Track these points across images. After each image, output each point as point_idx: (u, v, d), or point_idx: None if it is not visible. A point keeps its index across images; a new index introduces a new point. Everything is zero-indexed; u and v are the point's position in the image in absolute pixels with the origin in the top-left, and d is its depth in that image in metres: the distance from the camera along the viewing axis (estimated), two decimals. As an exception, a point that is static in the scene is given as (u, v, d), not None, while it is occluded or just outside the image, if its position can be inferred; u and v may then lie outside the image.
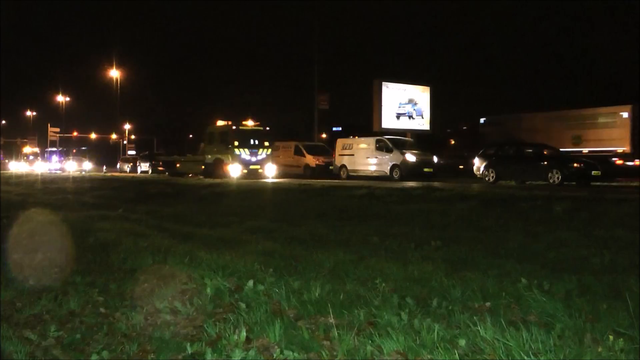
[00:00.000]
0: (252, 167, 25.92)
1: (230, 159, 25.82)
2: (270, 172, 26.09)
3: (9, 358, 3.07)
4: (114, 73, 56.21)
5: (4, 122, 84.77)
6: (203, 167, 27.85)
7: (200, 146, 31.14)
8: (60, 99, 66.98)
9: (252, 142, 26.32)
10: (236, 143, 25.82)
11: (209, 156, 27.40)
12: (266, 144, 26.74)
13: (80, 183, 22.91)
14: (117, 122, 66.39)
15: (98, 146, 67.84)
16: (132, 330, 3.48)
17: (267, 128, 27.38)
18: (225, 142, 26.08)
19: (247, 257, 5.39)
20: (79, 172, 40.36)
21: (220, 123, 27.89)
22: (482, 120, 32.01)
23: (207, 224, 8.36)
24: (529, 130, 27.54)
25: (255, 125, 27.17)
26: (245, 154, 26.01)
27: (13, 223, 7.83)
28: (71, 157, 49.23)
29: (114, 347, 3.18)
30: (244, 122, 27.21)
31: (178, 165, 32.16)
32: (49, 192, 17.44)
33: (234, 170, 25.48)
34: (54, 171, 44.26)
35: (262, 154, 26.40)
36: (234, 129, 26.38)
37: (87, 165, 47.72)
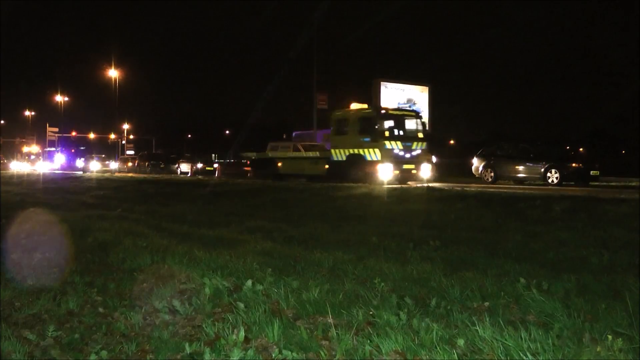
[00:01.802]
0: (405, 166, 18.97)
1: (378, 155, 18.68)
2: (426, 174, 19.51)
3: (8, 358, 3.07)
4: (113, 73, 56.18)
5: (2, 121, 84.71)
6: (327, 166, 20.88)
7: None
8: (59, 98, 66.91)
9: (406, 131, 19.39)
10: (387, 133, 18.81)
11: (338, 151, 20.33)
12: (420, 135, 19.80)
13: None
14: (116, 122, 66.39)
15: (97, 146, 67.82)
16: (131, 330, 3.48)
17: (421, 113, 20.86)
18: (369, 131, 18.96)
19: (246, 256, 5.39)
20: (109, 173, 37.86)
21: (356, 105, 21.08)
22: None
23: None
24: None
25: (407, 110, 20.74)
26: (398, 148, 18.96)
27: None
28: (94, 157, 48.40)
29: (112, 346, 3.18)
30: (375, 106, 20.76)
31: (280, 164, 24.21)
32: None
33: (384, 172, 18.43)
34: (75, 171, 42.12)
35: (417, 148, 19.46)
36: (384, 113, 19.30)
37: (114, 165, 46.59)
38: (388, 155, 18.64)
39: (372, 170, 18.66)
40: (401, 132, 19.18)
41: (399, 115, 19.72)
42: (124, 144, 69.31)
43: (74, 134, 71.50)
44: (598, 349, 2.82)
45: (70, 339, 3.29)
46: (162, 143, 79.67)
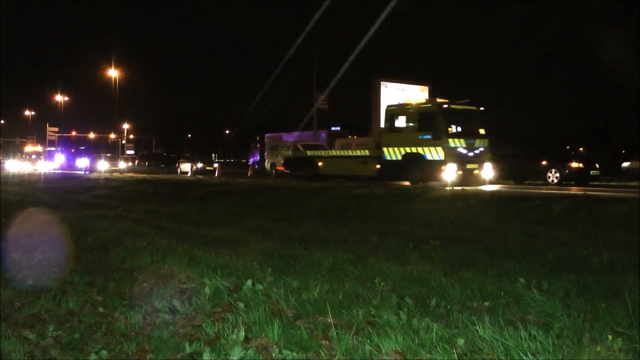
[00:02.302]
0: (469, 166, 17.29)
1: (441, 154, 16.97)
2: (488, 174, 17.82)
3: (8, 358, 3.07)
4: (113, 73, 56.11)
5: (2, 121, 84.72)
6: (378, 166, 19.03)
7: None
8: (59, 98, 66.89)
9: (468, 128, 17.55)
10: (451, 130, 17.11)
11: (392, 150, 18.43)
12: (482, 131, 17.88)
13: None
14: (116, 122, 66.37)
15: (97, 145, 67.82)
16: (131, 329, 3.48)
17: (482, 108, 18.38)
18: (430, 128, 17.31)
19: (246, 256, 5.39)
20: (118, 173, 36.60)
21: (412, 100, 19.05)
22: None
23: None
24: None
25: (466, 104, 18.39)
26: (461, 146, 17.22)
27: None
28: (102, 156, 47.11)
29: (112, 346, 3.18)
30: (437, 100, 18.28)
31: (321, 164, 22.25)
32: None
33: (448, 172, 16.81)
34: (85, 171, 40.86)
35: (480, 146, 17.71)
36: (446, 108, 17.42)
37: (122, 165, 44.86)
38: (452, 154, 16.88)
39: (433, 171, 16.99)
40: (464, 129, 17.35)
41: (461, 110, 17.75)
42: (124, 144, 69.33)
43: (74, 133, 71.52)
44: (598, 349, 2.82)
45: (70, 338, 3.30)
46: (162, 143, 79.76)
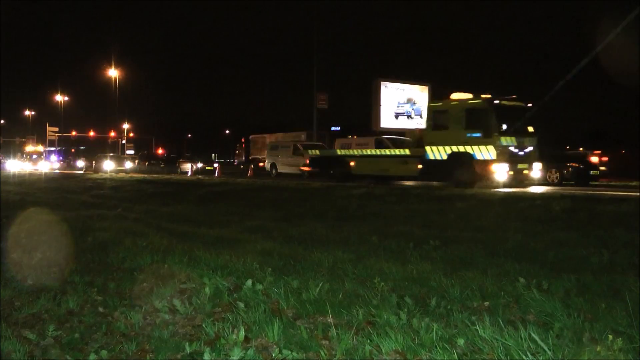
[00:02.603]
0: (519, 166, 16.37)
1: (492, 153, 15.95)
2: (536, 174, 17.02)
3: (8, 357, 3.07)
4: (113, 72, 56.16)
5: (2, 121, 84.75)
6: (420, 166, 17.91)
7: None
8: (59, 98, 66.91)
9: (518, 125, 16.50)
10: (503, 127, 16.13)
11: (436, 149, 17.35)
12: (530, 129, 16.89)
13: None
14: (116, 122, 66.41)
15: (96, 145, 67.81)
16: (131, 329, 3.48)
17: (530, 104, 17.13)
18: (480, 125, 16.27)
19: (246, 256, 5.39)
20: (124, 174, 35.79)
21: (459, 96, 17.74)
22: None
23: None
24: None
25: (514, 100, 17.14)
26: (513, 145, 16.30)
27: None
28: (108, 156, 45.56)
29: (112, 346, 3.18)
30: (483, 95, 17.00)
31: (354, 164, 20.89)
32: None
33: (499, 172, 15.90)
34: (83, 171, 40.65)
35: (529, 145, 16.74)
36: (497, 104, 16.44)
37: (128, 165, 43.91)
38: (504, 153, 15.93)
39: (483, 171, 16.08)
40: (514, 126, 16.34)
41: (511, 106, 16.71)
42: (124, 144, 69.34)
43: (74, 133, 71.55)
44: (598, 349, 2.82)
45: (70, 338, 3.29)
46: (162, 143, 79.79)
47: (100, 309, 3.87)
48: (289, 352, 2.95)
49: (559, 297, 3.82)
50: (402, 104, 32.41)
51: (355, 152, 21.23)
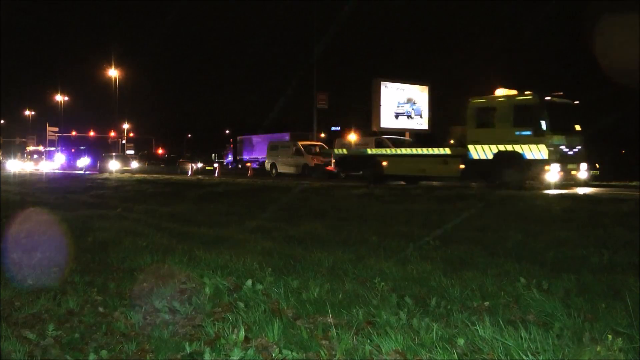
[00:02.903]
0: (569, 166, 15.66)
1: (544, 152, 15.19)
2: (583, 175, 16.26)
3: (8, 357, 3.07)
4: (113, 72, 56.16)
5: (2, 121, 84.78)
6: (462, 166, 16.97)
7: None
8: (59, 98, 66.93)
9: (568, 124, 15.92)
10: (555, 126, 15.38)
11: (481, 148, 16.44)
12: (578, 127, 16.26)
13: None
14: (116, 122, 66.43)
15: (97, 145, 67.79)
16: (131, 329, 3.48)
17: (577, 102, 16.58)
18: (530, 123, 15.42)
19: (246, 256, 5.39)
20: (129, 174, 34.81)
21: (503, 91, 17.02)
22: None
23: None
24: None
25: (562, 97, 16.22)
26: (564, 144, 15.60)
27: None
28: (113, 155, 44.28)
29: (112, 346, 3.18)
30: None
31: (386, 164, 19.66)
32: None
33: (551, 173, 15.19)
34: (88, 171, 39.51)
35: (578, 144, 16.10)
36: (548, 101, 15.66)
37: (134, 165, 42.93)
38: (556, 153, 15.20)
39: (533, 172, 15.39)
40: (564, 125, 15.70)
41: (562, 104, 16.00)
42: (124, 144, 69.35)
43: (74, 133, 71.56)
44: (598, 349, 2.82)
45: (70, 338, 3.29)
46: (162, 143, 79.82)
47: (100, 309, 3.87)
48: (289, 352, 2.95)
49: (559, 297, 3.82)
50: (402, 104, 32.44)
51: (389, 151, 20.17)
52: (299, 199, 12.50)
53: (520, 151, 15.57)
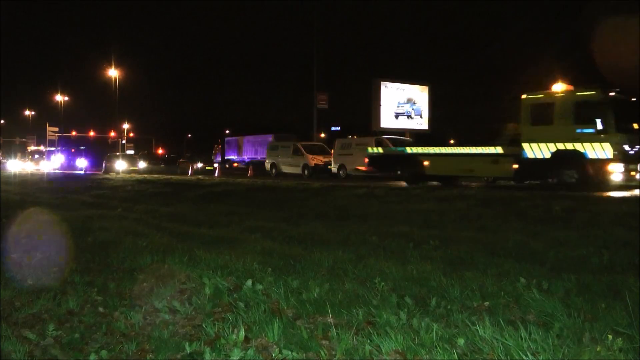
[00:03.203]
0: (631, 166, 14.61)
1: (609, 152, 14.25)
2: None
3: (8, 357, 3.07)
4: (113, 72, 56.10)
5: (2, 121, 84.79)
6: (516, 165, 15.96)
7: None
8: (59, 98, 66.90)
9: (630, 122, 14.85)
10: (621, 124, 14.46)
11: (537, 146, 15.46)
12: (636, 125, 14.98)
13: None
14: (116, 122, 66.39)
15: (97, 145, 67.77)
16: (131, 329, 3.48)
17: (634, 99, 15.48)
18: (594, 120, 14.50)
19: (246, 256, 5.39)
20: (136, 174, 33.93)
21: (563, 87, 15.77)
22: None
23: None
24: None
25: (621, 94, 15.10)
26: (629, 143, 14.61)
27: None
28: (120, 155, 43.32)
29: (112, 346, 3.18)
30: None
31: (428, 163, 18.47)
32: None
33: (615, 173, 14.30)
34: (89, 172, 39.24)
35: (637, 144, 14.87)
36: (613, 97, 14.70)
37: (142, 164, 42.13)
38: (621, 152, 14.24)
39: (595, 172, 14.38)
40: (627, 123, 14.69)
41: (625, 101, 14.92)
42: (124, 144, 69.33)
43: (74, 133, 71.54)
44: (598, 349, 2.82)
45: (70, 338, 3.29)
46: (162, 143, 79.86)
47: (100, 309, 3.87)
48: (289, 352, 2.95)
49: (559, 297, 3.81)
50: (402, 104, 32.49)
51: (432, 150, 18.85)
52: (298, 199, 12.50)
53: (581, 150, 14.62)
